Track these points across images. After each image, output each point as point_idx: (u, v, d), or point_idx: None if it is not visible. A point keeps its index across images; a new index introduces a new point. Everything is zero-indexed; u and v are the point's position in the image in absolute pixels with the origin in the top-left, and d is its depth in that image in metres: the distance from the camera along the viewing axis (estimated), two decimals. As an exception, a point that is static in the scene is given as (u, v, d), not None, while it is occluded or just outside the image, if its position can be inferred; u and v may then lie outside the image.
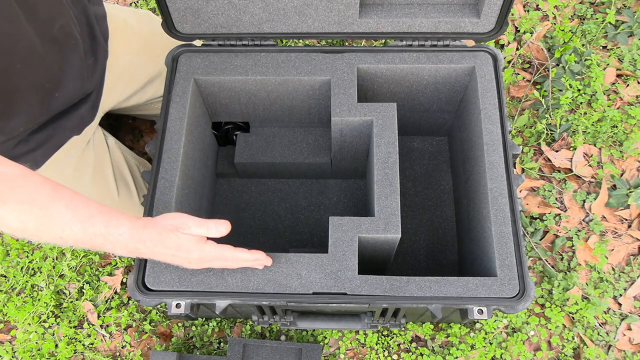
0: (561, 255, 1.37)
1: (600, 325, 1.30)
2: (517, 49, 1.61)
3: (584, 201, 1.42)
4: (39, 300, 1.37)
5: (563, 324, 1.29)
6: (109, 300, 1.37)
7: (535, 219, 1.41)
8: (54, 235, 0.73)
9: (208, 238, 0.81)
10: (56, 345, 1.33)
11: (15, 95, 0.87)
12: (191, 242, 0.79)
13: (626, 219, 1.40)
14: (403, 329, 1.29)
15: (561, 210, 1.42)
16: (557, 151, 1.47)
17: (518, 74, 1.58)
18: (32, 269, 1.42)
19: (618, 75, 1.56)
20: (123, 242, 0.76)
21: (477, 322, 1.30)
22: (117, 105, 1.19)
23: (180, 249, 0.79)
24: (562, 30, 1.60)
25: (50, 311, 1.37)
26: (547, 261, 1.36)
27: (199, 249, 0.80)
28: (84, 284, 1.39)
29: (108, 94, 1.11)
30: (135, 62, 1.15)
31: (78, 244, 0.75)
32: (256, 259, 0.86)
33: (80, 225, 0.73)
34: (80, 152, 1.08)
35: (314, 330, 1.30)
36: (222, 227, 0.79)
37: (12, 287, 1.41)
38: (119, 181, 1.15)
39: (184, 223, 0.78)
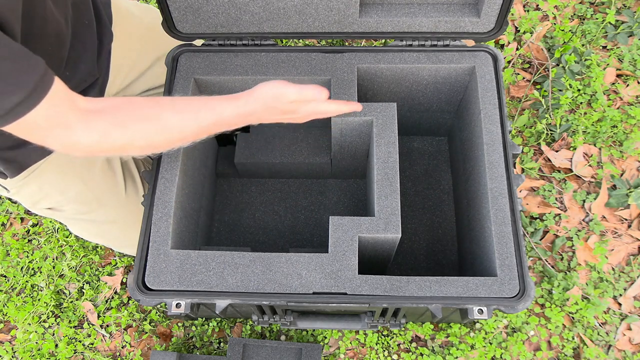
0: (561, 255, 1.37)
1: (600, 325, 1.30)
2: (517, 49, 1.61)
3: (584, 201, 1.42)
4: (39, 300, 1.37)
5: (563, 324, 1.29)
6: (109, 300, 1.37)
7: (535, 219, 1.41)
8: (176, 139, 0.82)
9: None
10: (56, 345, 1.33)
11: None
12: (295, 105, 0.86)
13: (626, 219, 1.40)
14: (403, 329, 1.29)
15: (561, 210, 1.42)
16: (557, 151, 1.47)
17: (518, 74, 1.58)
18: (32, 269, 1.42)
19: (618, 75, 1.56)
20: (232, 122, 0.85)
21: (477, 322, 1.30)
22: (120, 93, 1.19)
23: (285, 113, 0.87)
24: (562, 30, 1.60)
25: (50, 311, 1.37)
26: (547, 261, 1.36)
27: (303, 109, 0.88)
28: (84, 284, 1.39)
29: (113, 79, 1.11)
30: (137, 48, 1.16)
31: (197, 137, 0.84)
32: (351, 109, 0.93)
33: (194, 122, 0.81)
34: None
35: (314, 330, 1.30)
36: (321, 95, 0.85)
37: (12, 287, 1.41)
38: (126, 175, 1.15)
39: (282, 94, 0.84)
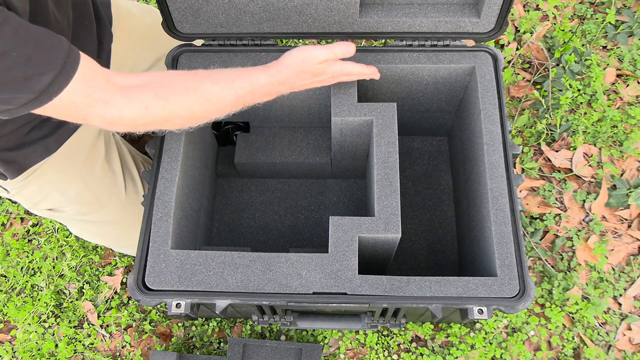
0: (561, 255, 1.37)
1: (600, 325, 1.30)
2: (517, 49, 1.61)
3: (584, 201, 1.42)
4: (39, 300, 1.37)
5: (563, 324, 1.29)
6: (109, 300, 1.37)
7: (535, 219, 1.41)
8: (215, 109, 0.85)
9: None
10: (56, 345, 1.33)
11: None
12: (323, 66, 0.90)
13: (626, 219, 1.40)
14: (403, 329, 1.29)
15: (561, 210, 1.42)
16: (557, 151, 1.47)
17: (518, 74, 1.58)
18: (32, 269, 1.42)
19: (618, 75, 1.56)
20: (266, 91, 0.88)
21: (477, 322, 1.30)
22: None
23: (315, 75, 0.91)
24: (562, 30, 1.60)
25: (50, 311, 1.37)
26: (547, 261, 1.36)
27: (331, 69, 0.92)
28: (84, 284, 1.39)
29: None
30: (137, 49, 1.16)
31: (233, 107, 0.87)
32: (372, 72, 0.98)
33: (231, 92, 0.84)
34: (91, 142, 1.08)
35: (314, 330, 1.30)
36: (348, 48, 0.88)
37: (12, 287, 1.41)
38: (126, 175, 1.15)
39: (312, 57, 0.88)
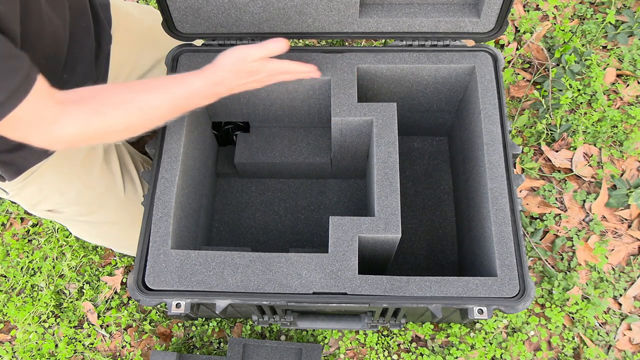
0: (561, 255, 1.37)
1: (600, 325, 1.30)
2: (517, 49, 1.61)
3: (584, 201, 1.42)
4: (39, 300, 1.37)
5: (563, 324, 1.29)
6: (109, 300, 1.37)
7: (535, 219, 1.41)
8: (153, 118, 0.85)
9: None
10: (56, 345, 1.33)
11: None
12: (258, 65, 0.89)
13: (626, 219, 1.40)
14: (403, 329, 1.29)
15: (561, 210, 1.42)
16: (557, 151, 1.47)
17: (518, 74, 1.58)
18: (32, 269, 1.42)
19: (618, 75, 1.56)
20: (202, 94, 0.88)
21: (477, 322, 1.30)
22: None
23: (251, 74, 0.90)
24: (562, 30, 1.60)
25: (50, 311, 1.37)
26: (547, 261, 1.36)
27: (267, 67, 0.90)
28: (84, 284, 1.39)
29: (113, 81, 1.11)
30: (137, 50, 1.16)
31: (173, 115, 0.87)
32: (310, 70, 0.96)
33: (167, 99, 0.84)
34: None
35: (314, 330, 1.30)
36: (280, 44, 0.87)
37: (12, 287, 1.41)
38: (125, 176, 1.15)
39: (246, 55, 0.87)
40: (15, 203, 1.49)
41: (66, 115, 0.77)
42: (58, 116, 0.76)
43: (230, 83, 0.90)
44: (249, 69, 0.89)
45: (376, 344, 1.29)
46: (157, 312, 1.35)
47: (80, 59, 0.98)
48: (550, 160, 1.47)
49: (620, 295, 1.32)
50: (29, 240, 1.47)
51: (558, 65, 1.54)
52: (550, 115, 1.49)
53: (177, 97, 0.85)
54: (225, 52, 0.89)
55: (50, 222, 1.46)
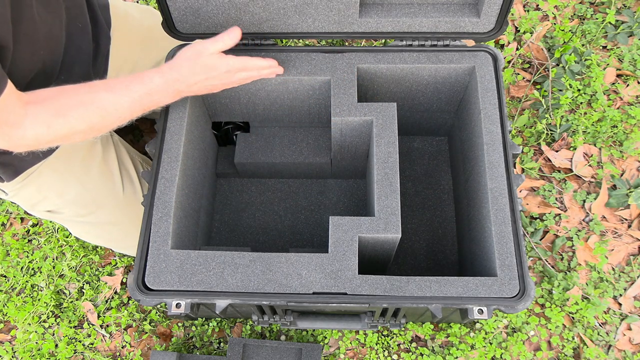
0: (561, 255, 1.37)
1: (600, 325, 1.30)
2: (517, 49, 1.61)
3: (584, 201, 1.42)
4: (39, 300, 1.37)
5: (563, 324, 1.29)
6: (109, 300, 1.37)
7: (535, 219, 1.41)
8: (115, 117, 0.84)
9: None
10: (56, 345, 1.33)
11: (34, 79, 0.89)
12: (215, 59, 0.88)
13: (626, 219, 1.40)
14: (403, 329, 1.29)
15: (561, 210, 1.42)
16: (557, 151, 1.47)
17: (518, 74, 1.58)
18: (32, 269, 1.42)
19: (618, 75, 1.56)
20: (163, 90, 0.87)
21: (477, 322, 1.30)
22: None
23: (208, 69, 0.88)
24: (562, 30, 1.60)
25: (50, 311, 1.37)
26: (547, 261, 1.36)
27: (224, 62, 0.89)
28: (84, 284, 1.39)
29: None
30: (137, 52, 1.15)
31: (134, 114, 0.86)
32: (270, 65, 0.95)
33: (127, 98, 0.84)
34: (88, 144, 1.08)
35: (314, 330, 1.30)
36: (233, 34, 0.88)
37: (12, 287, 1.41)
38: (124, 176, 1.15)
39: (201, 49, 0.87)
40: (15, 203, 1.49)
41: (31, 116, 0.77)
42: (23, 119, 0.77)
43: (187, 79, 0.89)
44: (207, 62, 0.88)
45: (376, 344, 1.29)
46: (157, 312, 1.35)
47: (77, 59, 0.98)
48: (550, 160, 1.47)
49: (620, 295, 1.32)
50: (29, 240, 1.47)
51: (558, 65, 1.54)
52: (550, 115, 1.49)
53: (136, 95, 0.85)
54: (184, 48, 0.89)
55: (50, 222, 1.46)
